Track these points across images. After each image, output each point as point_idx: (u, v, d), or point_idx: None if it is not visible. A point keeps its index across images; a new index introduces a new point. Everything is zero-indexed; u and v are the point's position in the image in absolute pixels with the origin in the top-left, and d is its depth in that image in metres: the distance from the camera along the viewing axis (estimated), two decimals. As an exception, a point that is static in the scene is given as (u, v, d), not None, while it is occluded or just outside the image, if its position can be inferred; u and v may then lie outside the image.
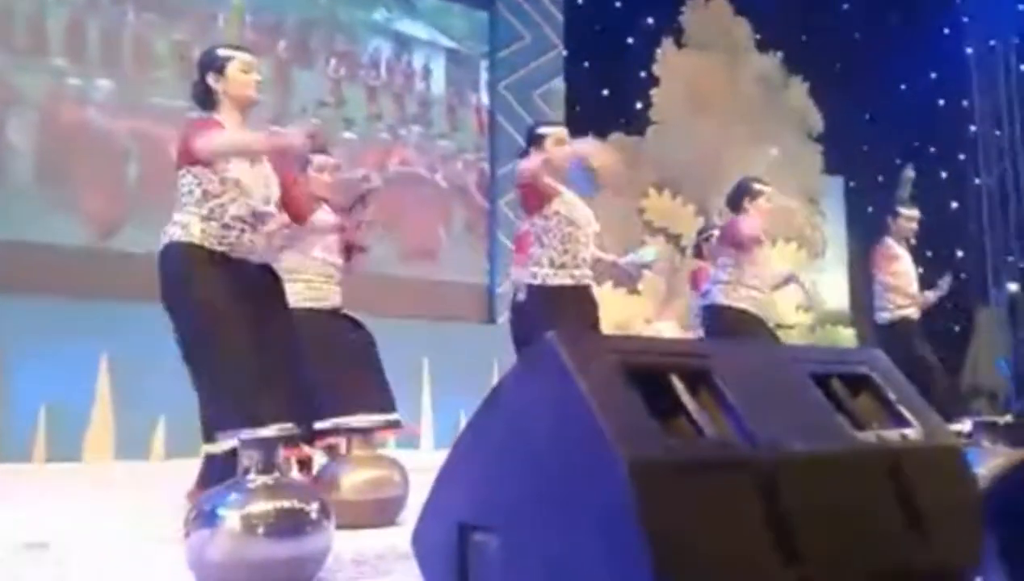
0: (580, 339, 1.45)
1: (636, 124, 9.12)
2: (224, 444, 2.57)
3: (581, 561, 1.30)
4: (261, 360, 2.71)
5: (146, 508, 2.96)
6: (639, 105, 9.29)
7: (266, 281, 2.96)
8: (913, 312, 5.36)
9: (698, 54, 9.33)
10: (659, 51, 9.39)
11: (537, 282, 3.70)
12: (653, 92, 8.91)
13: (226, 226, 2.85)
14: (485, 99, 8.97)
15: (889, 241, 5.41)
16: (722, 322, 4.55)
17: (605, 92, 10.00)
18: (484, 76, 9.04)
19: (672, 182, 8.55)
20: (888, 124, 10.24)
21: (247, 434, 2.47)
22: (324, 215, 3.61)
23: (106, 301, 5.98)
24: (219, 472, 2.48)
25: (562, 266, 3.67)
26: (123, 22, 7.02)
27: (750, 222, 4.59)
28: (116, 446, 5.93)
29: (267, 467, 2.03)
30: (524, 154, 3.87)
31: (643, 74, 9.53)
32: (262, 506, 1.96)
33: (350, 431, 3.24)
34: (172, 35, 7.17)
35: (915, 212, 5.44)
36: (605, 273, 7.93)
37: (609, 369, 1.39)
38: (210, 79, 2.96)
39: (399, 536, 2.75)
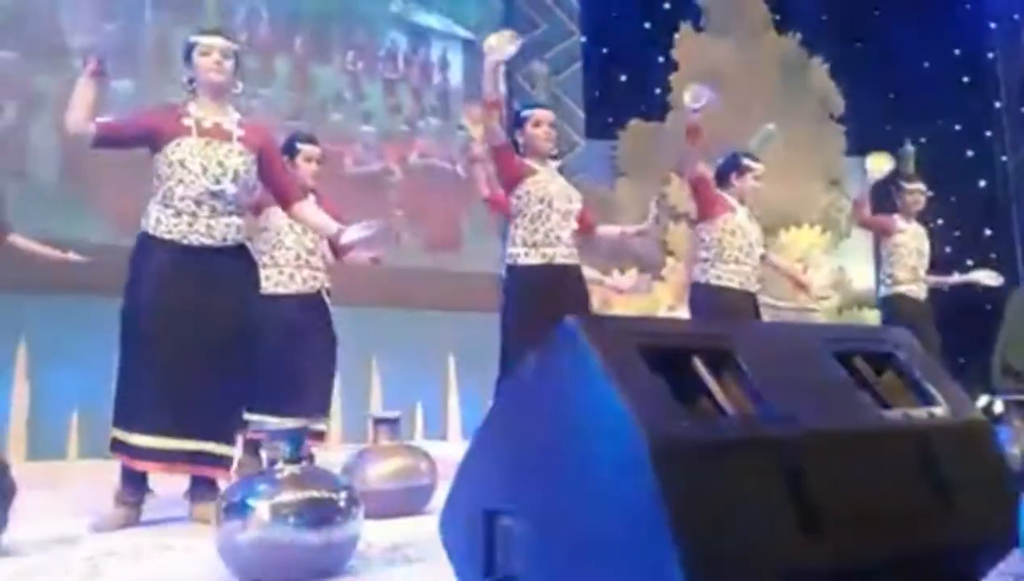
0: (600, 322, 1.45)
1: (655, 110, 9.07)
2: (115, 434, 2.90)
3: (607, 543, 1.31)
4: (162, 366, 2.86)
5: (176, 498, 3.01)
6: (658, 90, 9.23)
7: (223, 268, 2.97)
8: (914, 289, 5.26)
9: (716, 37, 9.26)
10: (677, 35, 9.32)
11: (510, 262, 3.72)
12: (672, 77, 8.85)
13: (177, 212, 2.92)
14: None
15: (895, 216, 5.34)
16: (702, 301, 4.43)
17: (623, 78, 9.95)
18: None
19: (693, 167, 8.50)
20: (911, 103, 10.11)
21: (118, 433, 2.87)
22: (309, 206, 3.53)
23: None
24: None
25: (534, 245, 3.65)
26: (141, 21, 7.07)
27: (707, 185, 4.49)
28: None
29: (294, 457, 2.05)
30: (509, 134, 3.89)
31: (661, 59, 9.47)
32: (291, 495, 1.98)
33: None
34: (188, 33, 7.21)
35: (918, 185, 5.34)
36: (630, 259, 7.92)
37: (630, 352, 1.39)
38: (185, 68, 3.06)
39: (428, 525, 2.77)
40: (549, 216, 3.66)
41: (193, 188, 2.92)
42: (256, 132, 3.13)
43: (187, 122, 2.98)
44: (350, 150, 8.12)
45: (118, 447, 2.88)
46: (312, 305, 3.99)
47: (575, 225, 3.75)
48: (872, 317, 9.47)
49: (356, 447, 3.82)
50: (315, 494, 2.01)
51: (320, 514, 2.00)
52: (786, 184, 7.69)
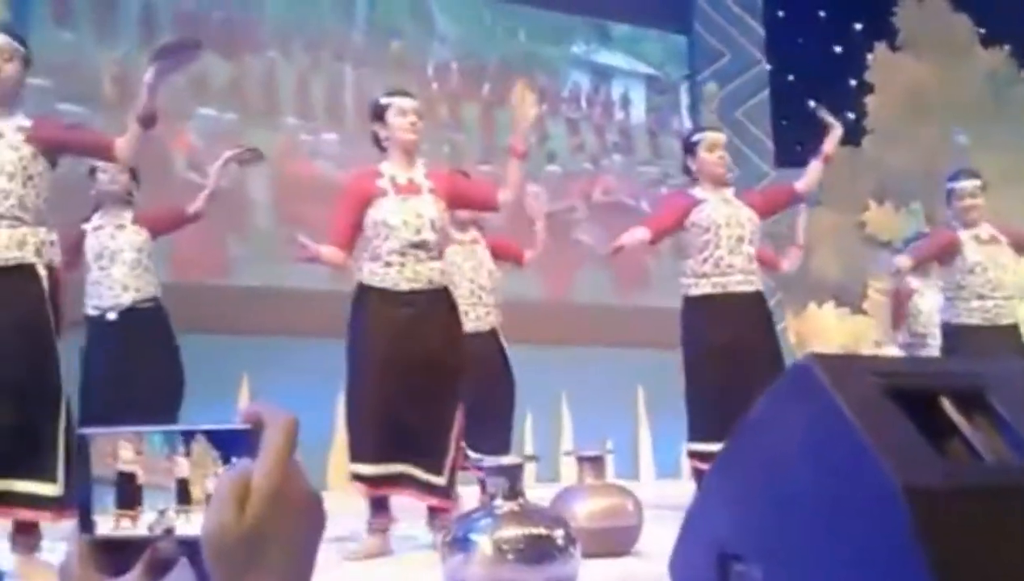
0: (839, 361, 1.40)
1: (850, 134, 8.71)
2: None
3: (853, 592, 1.25)
4: (382, 400, 3.05)
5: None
6: (851, 114, 8.87)
7: (430, 309, 3.16)
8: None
9: (915, 56, 8.81)
10: (871, 56, 8.94)
11: (683, 293, 3.69)
12: (868, 99, 8.49)
13: (386, 263, 3.15)
14: (687, 123, 8.89)
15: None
16: (946, 341, 4.21)
17: (813, 104, 9.62)
18: (684, 100, 8.96)
19: (894, 192, 8.09)
20: None
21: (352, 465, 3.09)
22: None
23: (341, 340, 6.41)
24: None
25: (703, 275, 3.60)
26: (343, 79, 7.55)
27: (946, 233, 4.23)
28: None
29: (512, 493, 2.10)
30: (683, 160, 3.92)
31: (853, 82, 9.11)
32: (512, 531, 2.02)
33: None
34: (387, 87, 7.64)
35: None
36: (828, 292, 7.60)
37: (874, 392, 1.33)
38: (376, 127, 3.28)
39: (637, 566, 2.75)
40: (718, 245, 3.62)
41: (397, 241, 3.11)
42: (439, 179, 3.35)
43: (382, 184, 3.21)
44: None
45: (355, 477, 3.09)
46: (486, 342, 4.11)
47: (750, 249, 3.69)
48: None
49: (550, 486, 3.86)
50: (534, 531, 2.04)
51: (540, 551, 2.02)
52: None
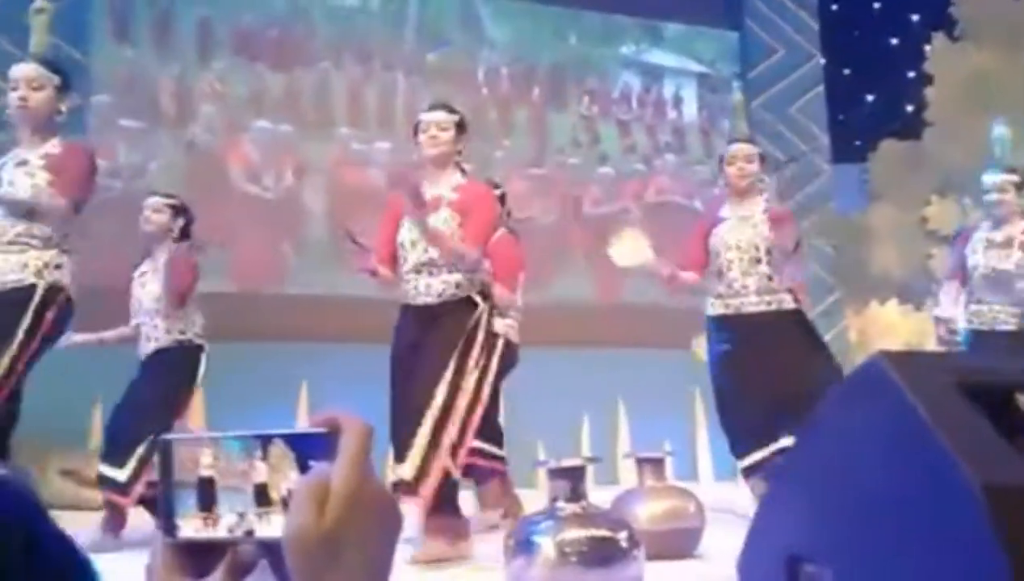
0: (911, 358, 1.37)
1: (909, 128, 8.52)
2: None
3: (930, 595, 1.22)
4: None
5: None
6: (910, 107, 8.68)
7: (443, 317, 3.27)
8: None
9: (975, 46, 8.57)
10: (929, 48, 8.73)
11: (707, 312, 3.74)
12: (927, 91, 8.29)
13: (407, 279, 3.27)
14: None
15: None
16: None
17: (870, 98, 9.46)
18: (737, 97, 8.86)
19: (957, 186, 7.88)
20: None
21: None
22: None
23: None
24: None
25: (718, 296, 3.62)
26: (395, 88, 7.62)
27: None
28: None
29: (575, 495, 2.09)
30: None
31: (911, 74, 8.91)
32: (574, 534, 2.01)
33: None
34: (436, 96, 7.68)
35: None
36: (892, 289, 7.43)
37: (946, 388, 1.29)
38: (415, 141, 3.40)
39: (701, 568, 2.72)
40: (731, 266, 3.61)
41: (409, 262, 3.25)
42: (467, 193, 3.34)
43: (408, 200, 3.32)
44: (588, 192, 8.26)
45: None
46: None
47: (766, 270, 3.63)
48: None
49: (608, 489, 3.85)
50: (597, 533, 2.03)
51: (603, 554, 2.01)
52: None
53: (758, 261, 3.63)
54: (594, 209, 8.30)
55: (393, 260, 3.32)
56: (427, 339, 3.18)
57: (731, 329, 3.63)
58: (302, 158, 7.27)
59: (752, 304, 3.62)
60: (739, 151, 3.77)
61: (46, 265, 3.03)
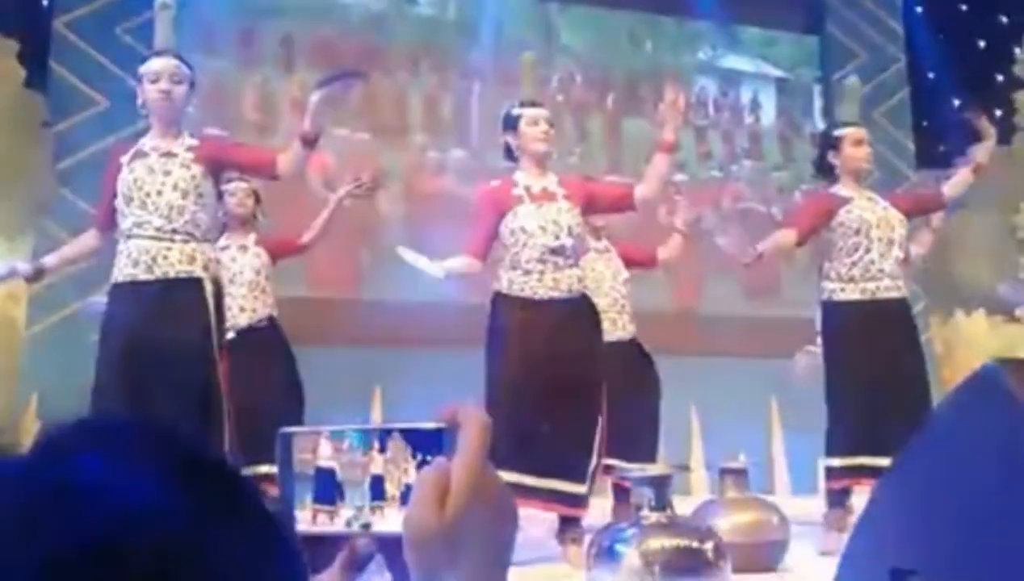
0: (1026, 365, 1.30)
1: (999, 132, 8.22)
2: None
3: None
4: (520, 409, 3.07)
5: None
6: (999, 112, 8.38)
7: (568, 317, 3.16)
8: None
9: (1068, 47, 8.24)
10: (1018, 50, 8.43)
11: (824, 298, 3.49)
12: (1017, 95, 8.00)
13: (525, 271, 3.18)
14: (820, 125, 8.60)
15: None
16: None
17: (956, 102, 9.14)
18: (817, 102, 8.68)
19: (1048, 193, 7.60)
20: None
21: None
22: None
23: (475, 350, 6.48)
24: None
25: (851, 280, 3.40)
26: (470, 96, 7.66)
27: None
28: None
29: (660, 504, 2.05)
30: (820, 157, 3.74)
31: (1000, 77, 8.61)
32: (659, 543, 1.98)
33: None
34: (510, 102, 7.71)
35: None
36: (979, 299, 7.18)
37: (1066, 398, 1.23)
38: (508, 137, 3.31)
39: (786, 582, 2.65)
40: (869, 248, 3.44)
41: (535, 248, 3.13)
42: (573, 186, 3.38)
43: (517, 192, 3.24)
44: (662, 200, 8.17)
45: None
46: (628, 350, 4.14)
47: (899, 254, 3.50)
48: None
49: (682, 500, 3.78)
50: (683, 543, 1.99)
51: (688, 564, 1.97)
52: None
53: (892, 243, 3.50)
54: (669, 217, 8.20)
55: (485, 254, 3.31)
56: (575, 349, 3.10)
57: (863, 315, 3.43)
58: (378, 165, 7.35)
59: (886, 289, 3.47)
60: (860, 133, 3.67)
61: (210, 259, 3.02)
